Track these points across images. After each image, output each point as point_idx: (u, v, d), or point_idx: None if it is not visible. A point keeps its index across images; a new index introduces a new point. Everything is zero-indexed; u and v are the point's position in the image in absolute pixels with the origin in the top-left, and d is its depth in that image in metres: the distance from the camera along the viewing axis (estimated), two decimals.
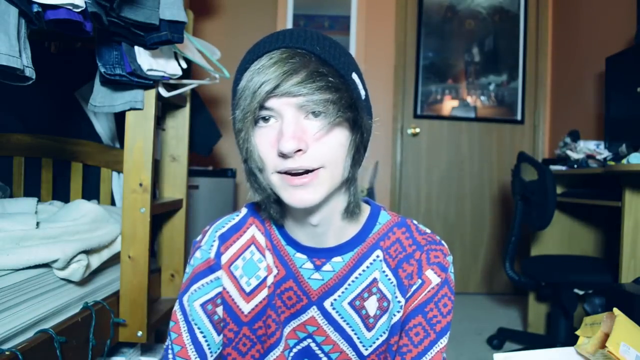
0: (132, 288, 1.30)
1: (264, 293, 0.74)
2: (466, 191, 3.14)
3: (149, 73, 1.26)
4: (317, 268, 0.73)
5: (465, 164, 3.14)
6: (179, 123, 1.69)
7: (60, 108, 1.73)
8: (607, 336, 0.73)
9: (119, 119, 1.72)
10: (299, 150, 0.61)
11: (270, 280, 0.74)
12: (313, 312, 0.74)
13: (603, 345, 0.72)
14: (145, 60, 1.24)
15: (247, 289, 0.74)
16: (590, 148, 2.05)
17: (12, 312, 0.95)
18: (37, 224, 1.16)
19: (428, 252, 0.72)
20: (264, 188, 0.67)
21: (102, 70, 1.22)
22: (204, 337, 0.74)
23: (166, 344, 0.76)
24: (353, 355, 0.74)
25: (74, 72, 1.70)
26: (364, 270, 0.73)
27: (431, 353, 0.69)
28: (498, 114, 3.18)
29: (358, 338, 0.74)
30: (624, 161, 1.59)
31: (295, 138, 0.60)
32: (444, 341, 0.70)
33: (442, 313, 0.70)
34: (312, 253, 0.73)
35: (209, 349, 0.75)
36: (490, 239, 3.13)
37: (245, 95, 0.61)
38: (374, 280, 0.73)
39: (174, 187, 1.67)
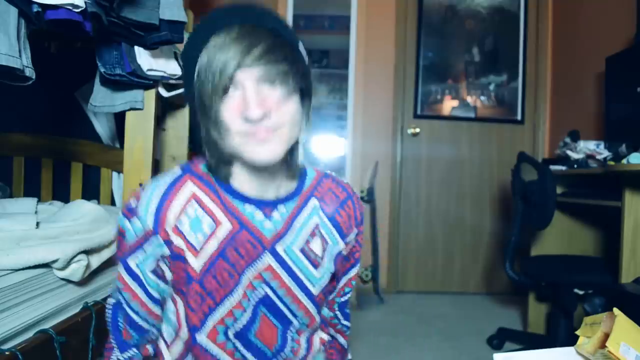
0: None
1: (213, 247, 0.75)
2: (466, 191, 3.14)
3: (149, 73, 1.26)
4: (267, 216, 0.78)
5: (465, 164, 3.14)
6: (179, 123, 1.69)
7: (60, 108, 1.73)
8: (607, 336, 0.73)
9: (119, 119, 1.72)
10: (264, 116, 0.67)
11: (220, 233, 0.75)
12: (267, 258, 0.78)
13: (603, 345, 0.72)
14: (145, 60, 1.24)
15: (196, 245, 0.75)
16: (590, 148, 2.05)
17: (12, 312, 0.95)
18: (37, 224, 1.16)
19: (358, 203, 0.88)
20: (223, 152, 0.73)
21: (102, 70, 1.22)
22: (154, 288, 0.77)
23: (111, 304, 0.79)
24: (303, 297, 0.80)
25: (74, 72, 1.70)
26: (306, 218, 0.81)
27: (352, 272, 0.92)
28: (498, 114, 3.18)
29: (308, 279, 0.81)
30: (624, 161, 1.59)
31: (260, 105, 0.67)
32: (358, 266, 0.92)
33: (361, 246, 0.91)
34: (260, 204, 0.78)
35: (162, 295, 0.79)
36: (490, 239, 3.13)
37: (212, 72, 0.67)
38: (316, 225, 0.82)
39: None
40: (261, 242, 0.77)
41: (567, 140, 2.23)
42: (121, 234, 0.77)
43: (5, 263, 0.99)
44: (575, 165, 2.09)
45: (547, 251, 2.28)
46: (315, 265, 0.81)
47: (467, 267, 3.13)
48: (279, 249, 0.78)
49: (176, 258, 0.75)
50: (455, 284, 3.12)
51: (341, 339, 0.96)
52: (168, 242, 0.74)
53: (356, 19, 3.06)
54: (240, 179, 0.78)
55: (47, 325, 1.03)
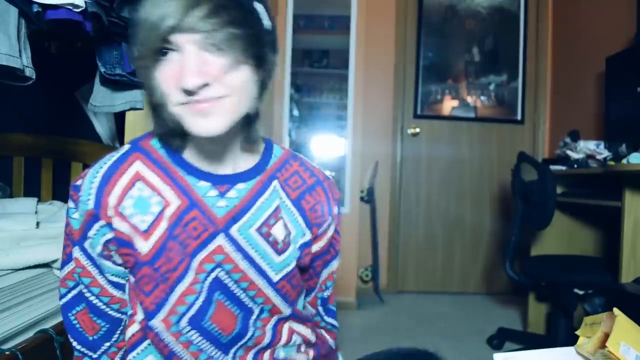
0: None
1: (162, 228, 0.69)
2: (466, 191, 3.14)
3: None
4: (222, 194, 0.71)
5: (465, 163, 3.14)
6: None
7: (60, 108, 1.73)
8: (607, 336, 0.73)
9: (119, 119, 1.72)
10: (205, 85, 0.60)
11: (169, 213, 0.69)
12: (220, 240, 0.71)
13: (603, 345, 0.72)
14: None
15: (143, 227, 0.69)
16: (590, 148, 2.05)
17: (12, 312, 0.95)
18: (37, 224, 1.16)
19: (331, 188, 0.81)
20: (167, 121, 0.65)
21: (102, 70, 1.22)
22: (115, 275, 0.73)
23: (63, 299, 0.75)
24: (262, 283, 0.73)
25: (74, 72, 1.70)
26: (267, 199, 0.74)
27: (333, 265, 0.86)
28: (498, 114, 3.18)
29: (268, 264, 0.73)
30: (624, 161, 1.59)
31: (200, 73, 0.59)
32: (339, 258, 0.87)
33: (340, 235, 0.84)
34: (215, 180, 0.72)
35: (125, 279, 0.74)
36: (490, 239, 3.13)
37: (145, 29, 0.59)
38: (278, 207, 0.75)
39: None
40: (213, 222, 0.70)
41: (567, 140, 2.23)
42: (67, 213, 0.72)
43: (5, 263, 0.99)
44: (575, 165, 2.09)
45: (547, 251, 2.28)
46: (277, 251, 0.74)
47: (467, 267, 3.13)
48: (233, 230, 0.71)
49: (122, 244, 0.70)
50: (455, 284, 3.12)
51: (328, 339, 0.90)
52: (110, 226, 0.69)
53: (356, 19, 3.06)
54: (193, 152, 0.72)
55: (47, 325, 1.03)
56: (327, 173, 0.83)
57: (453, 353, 2.07)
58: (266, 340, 0.76)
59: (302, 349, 0.83)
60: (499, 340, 2.17)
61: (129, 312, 0.74)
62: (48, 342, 0.98)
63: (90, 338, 0.75)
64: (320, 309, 0.89)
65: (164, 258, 0.69)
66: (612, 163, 1.73)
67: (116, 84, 1.28)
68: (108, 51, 1.22)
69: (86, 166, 1.70)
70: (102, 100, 1.30)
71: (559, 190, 2.04)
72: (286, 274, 0.75)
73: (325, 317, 0.90)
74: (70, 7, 0.93)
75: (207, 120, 0.62)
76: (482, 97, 3.19)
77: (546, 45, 3.09)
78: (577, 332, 0.79)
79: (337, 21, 3.11)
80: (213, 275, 0.71)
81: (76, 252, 0.72)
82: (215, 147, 0.70)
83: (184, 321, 0.70)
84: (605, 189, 1.82)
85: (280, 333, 0.78)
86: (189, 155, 0.72)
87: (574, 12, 2.82)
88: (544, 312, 2.34)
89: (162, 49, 0.60)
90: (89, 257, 0.72)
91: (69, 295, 0.75)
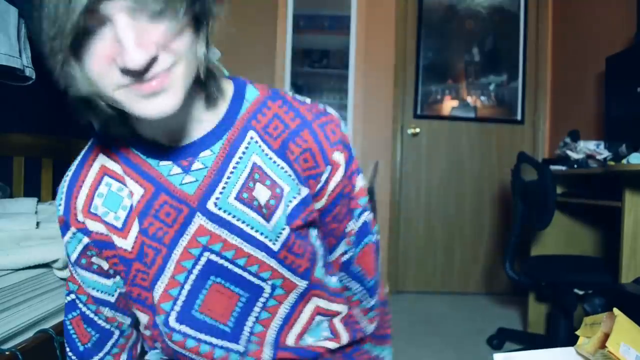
0: None
1: (136, 222, 0.63)
2: (466, 191, 3.14)
3: None
4: (186, 170, 0.62)
5: (465, 164, 3.14)
6: None
7: (60, 108, 1.73)
8: (607, 336, 0.73)
9: None
10: (152, 59, 0.48)
11: (135, 202, 0.62)
12: (199, 220, 0.62)
13: (603, 345, 0.72)
14: None
15: (119, 224, 0.63)
16: (590, 148, 2.05)
17: (12, 312, 0.95)
18: (37, 224, 1.16)
19: (324, 128, 0.63)
20: (103, 111, 0.53)
21: None
22: (95, 289, 0.68)
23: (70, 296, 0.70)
24: (262, 255, 0.63)
25: None
26: (240, 158, 0.62)
27: (367, 225, 0.71)
28: (498, 114, 3.18)
29: (261, 234, 0.63)
30: (624, 161, 1.59)
31: (141, 46, 0.46)
32: (368, 208, 0.71)
33: (356, 187, 0.69)
34: (177, 155, 0.62)
35: (109, 294, 0.68)
36: (490, 239, 3.13)
37: (56, 8, 0.44)
38: (255, 165, 0.62)
39: None
40: (185, 202, 0.62)
41: (567, 140, 2.23)
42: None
43: (5, 263, 0.99)
44: (575, 165, 2.09)
45: (547, 251, 2.28)
46: (265, 216, 0.63)
47: (467, 267, 3.13)
48: (210, 205, 0.62)
49: (102, 245, 0.64)
50: (455, 284, 3.12)
51: (364, 323, 0.74)
52: (84, 231, 0.64)
53: (356, 19, 3.06)
54: (146, 129, 0.61)
55: (47, 325, 1.03)
56: (324, 109, 0.66)
57: (453, 353, 2.07)
58: (277, 321, 0.67)
59: (328, 332, 0.71)
60: (499, 340, 2.17)
61: (138, 323, 0.70)
62: (48, 342, 0.98)
63: (82, 348, 0.71)
64: (347, 279, 0.73)
65: (144, 255, 0.63)
66: (612, 163, 1.72)
67: None
68: None
69: None
70: None
71: (559, 190, 2.04)
72: (284, 243, 0.63)
73: (356, 287, 0.73)
74: None
75: (158, 99, 0.50)
76: (482, 97, 3.19)
77: (546, 45, 3.09)
78: (577, 332, 0.79)
79: (337, 21, 3.11)
80: (203, 260, 0.63)
81: (70, 266, 0.69)
82: (171, 120, 0.55)
83: (172, 319, 0.65)
84: (605, 189, 1.82)
85: (300, 312, 0.68)
86: (146, 130, 0.62)
87: (574, 12, 2.82)
88: (544, 312, 2.34)
89: (83, 29, 0.46)
90: (71, 264, 0.67)
91: (68, 299, 0.72)
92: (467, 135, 3.15)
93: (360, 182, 0.70)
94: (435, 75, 3.18)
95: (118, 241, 0.63)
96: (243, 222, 0.63)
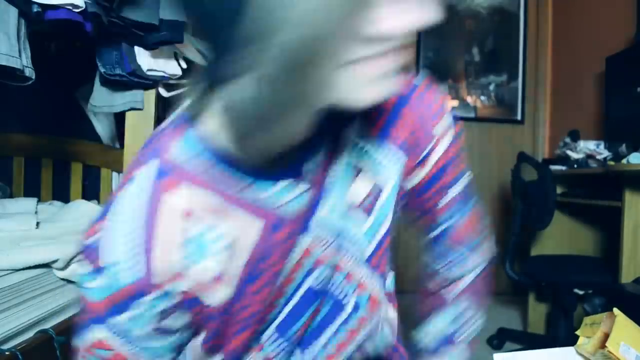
0: None
1: (239, 263, 0.49)
2: None
3: (149, 73, 1.26)
4: (290, 186, 0.49)
5: (464, 163, 3.14)
6: None
7: (60, 108, 1.73)
8: (607, 336, 0.73)
9: (119, 119, 1.72)
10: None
11: (247, 241, 0.49)
12: (304, 241, 0.52)
13: (603, 345, 0.72)
14: (145, 60, 1.24)
15: (212, 274, 0.48)
16: (590, 148, 2.05)
17: (12, 312, 0.95)
18: (37, 224, 1.16)
19: (423, 98, 0.59)
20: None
21: (102, 70, 1.22)
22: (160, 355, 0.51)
23: None
24: (351, 263, 0.57)
25: (74, 72, 1.70)
26: (342, 158, 0.54)
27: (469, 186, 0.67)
28: (498, 114, 3.18)
29: (355, 235, 0.56)
30: (624, 161, 1.59)
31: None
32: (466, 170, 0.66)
33: (458, 162, 0.64)
34: (280, 172, 0.49)
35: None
36: (490, 239, 3.13)
37: None
38: (351, 165, 0.54)
39: None
40: (294, 222, 0.51)
41: (567, 140, 2.23)
42: (80, 281, 0.50)
43: (5, 263, 0.99)
44: (575, 165, 2.09)
45: (547, 251, 2.28)
46: (363, 216, 0.56)
47: None
48: (314, 221, 0.52)
49: (188, 305, 0.49)
50: None
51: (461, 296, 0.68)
52: (167, 293, 0.47)
53: None
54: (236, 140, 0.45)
55: (47, 325, 1.03)
56: (415, 77, 0.58)
57: None
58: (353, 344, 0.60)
59: (391, 337, 0.67)
60: (499, 341, 2.17)
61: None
62: (48, 342, 0.98)
63: None
64: (437, 262, 0.69)
65: (245, 305, 0.51)
66: (612, 163, 1.73)
67: (116, 84, 1.28)
68: (108, 51, 1.22)
69: (86, 166, 1.70)
70: (102, 101, 1.30)
71: (559, 190, 2.04)
72: (379, 243, 0.58)
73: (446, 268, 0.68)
74: (70, 7, 0.93)
75: (383, 83, 0.39)
76: (482, 97, 3.18)
77: (546, 45, 3.09)
78: (577, 332, 0.79)
79: None
80: (306, 283, 0.54)
81: (100, 333, 0.48)
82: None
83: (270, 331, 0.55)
84: (605, 189, 1.82)
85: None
86: (232, 147, 0.45)
87: (574, 12, 2.82)
88: (544, 312, 2.34)
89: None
90: (128, 341, 0.48)
91: None
92: (467, 135, 3.13)
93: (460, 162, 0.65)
94: (435, 75, 3.16)
95: (207, 295, 0.50)
96: (344, 237, 0.55)
